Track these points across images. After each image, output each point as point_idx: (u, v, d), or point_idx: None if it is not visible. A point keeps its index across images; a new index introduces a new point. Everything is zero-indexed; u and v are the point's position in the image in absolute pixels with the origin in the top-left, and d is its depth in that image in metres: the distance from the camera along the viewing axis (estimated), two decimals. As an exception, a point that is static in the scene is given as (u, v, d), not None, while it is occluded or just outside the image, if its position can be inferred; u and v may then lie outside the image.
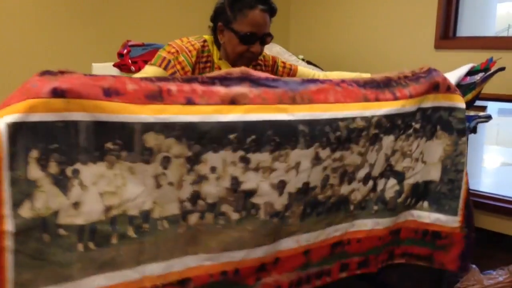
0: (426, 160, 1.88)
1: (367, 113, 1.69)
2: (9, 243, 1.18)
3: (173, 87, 1.39)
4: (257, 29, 1.79)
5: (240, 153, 1.47)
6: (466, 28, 3.06)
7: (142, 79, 1.39)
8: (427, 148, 1.87)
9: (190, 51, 1.80)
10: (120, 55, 2.48)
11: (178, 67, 1.77)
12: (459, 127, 1.87)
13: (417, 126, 1.83)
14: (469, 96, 2.06)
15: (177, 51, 1.79)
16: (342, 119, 1.64)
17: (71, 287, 1.29)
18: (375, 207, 1.82)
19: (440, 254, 1.92)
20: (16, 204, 1.20)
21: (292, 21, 3.80)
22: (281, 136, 1.53)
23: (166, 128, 1.35)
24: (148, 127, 1.33)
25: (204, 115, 1.41)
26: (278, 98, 1.53)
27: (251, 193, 1.51)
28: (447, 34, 3.00)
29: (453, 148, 1.88)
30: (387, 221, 1.84)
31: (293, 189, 1.58)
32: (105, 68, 2.53)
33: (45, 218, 1.23)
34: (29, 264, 1.22)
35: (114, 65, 2.47)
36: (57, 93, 1.23)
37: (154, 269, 1.42)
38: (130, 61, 2.42)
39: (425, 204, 1.91)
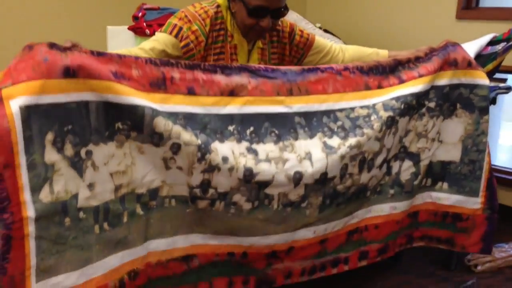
0: (444, 139, 1.84)
1: (366, 102, 1.68)
2: (31, 229, 1.18)
3: (176, 74, 1.42)
4: (268, 3, 1.65)
5: (245, 144, 1.50)
6: (490, -2, 2.97)
7: (147, 61, 1.39)
8: (444, 127, 1.83)
9: (203, 19, 1.70)
10: (135, 18, 2.45)
11: (192, 37, 1.68)
12: (481, 105, 1.81)
13: (431, 105, 1.79)
14: (490, 66, 2.02)
15: (190, 20, 1.69)
16: (340, 110, 1.65)
17: (90, 270, 1.31)
18: (391, 191, 1.79)
19: (462, 237, 1.89)
20: (35, 189, 1.19)
21: (310, -11, 3.73)
22: (279, 128, 1.56)
23: (172, 116, 1.37)
24: (157, 112, 1.35)
25: (204, 107, 1.45)
26: (276, 89, 1.56)
27: (265, 184, 1.51)
28: (470, 4, 2.91)
29: (474, 127, 1.83)
30: (404, 204, 1.82)
31: (310, 180, 1.56)
32: (120, 32, 2.51)
33: (66, 202, 1.25)
34: (51, 249, 1.23)
35: (128, 28, 2.45)
36: (68, 72, 1.21)
37: (159, 245, 1.45)
38: (145, 24, 2.40)
39: (445, 185, 1.88)
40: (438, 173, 1.87)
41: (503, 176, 2.79)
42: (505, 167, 2.89)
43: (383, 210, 1.79)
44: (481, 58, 2.02)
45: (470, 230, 1.88)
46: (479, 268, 2.15)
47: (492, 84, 2.07)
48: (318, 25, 3.17)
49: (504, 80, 2.45)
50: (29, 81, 1.16)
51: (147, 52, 1.62)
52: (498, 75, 2.27)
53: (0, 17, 2.62)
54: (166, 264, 1.48)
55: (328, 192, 1.62)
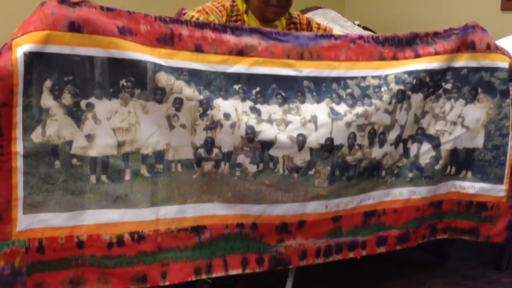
0: (469, 125, 1.79)
1: (378, 72, 1.67)
2: (19, 164, 1.29)
3: (185, 31, 1.44)
4: None
5: (249, 103, 1.53)
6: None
7: (156, 18, 1.42)
8: (468, 112, 1.79)
9: (220, 11, 1.83)
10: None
11: None
12: (502, 88, 1.77)
13: (448, 86, 1.76)
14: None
15: (207, 12, 1.81)
16: (351, 78, 1.65)
17: (81, 215, 1.40)
18: (410, 174, 1.77)
19: (486, 227, 1.83)
20: (27, 129, 1.29)
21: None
22: (286, 91, 1.57)
23: (176, 71, 1.42)
24: (159, 67, 1.39)
25: (210, 65, 1.47)
26: (286, 53, 1.57)
27: (268, 145, 1.53)
28: (515, -6, 2.79)
29: (496, 111, 1.78)
30: (424, 190, 1.78)
31: (315, 145, 1.57)
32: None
33: (57, 146, 1.34)
34: (40, 187, 1.33)
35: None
36: (73, 27, 1.29)
37: (168, 212, 1.48)
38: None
39: (469, 173, 1.83)
40: (463, 161, 1.82)
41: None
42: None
43: (402, 194, 1.77)
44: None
45: (495, 219, 1.81)
46: (532, 268, 1.99)
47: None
48: (357, 22, 3.17)
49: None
50: (36, 31, 1.26)
51: None
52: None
53: None
54: (176, 234, 1.49)
55: (337, 162, 1.62)
